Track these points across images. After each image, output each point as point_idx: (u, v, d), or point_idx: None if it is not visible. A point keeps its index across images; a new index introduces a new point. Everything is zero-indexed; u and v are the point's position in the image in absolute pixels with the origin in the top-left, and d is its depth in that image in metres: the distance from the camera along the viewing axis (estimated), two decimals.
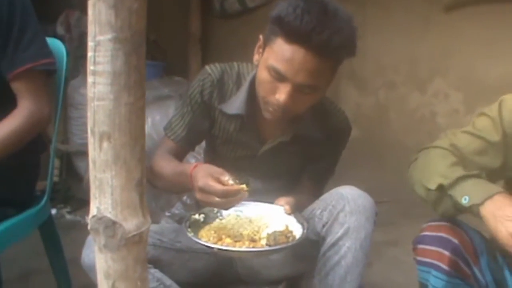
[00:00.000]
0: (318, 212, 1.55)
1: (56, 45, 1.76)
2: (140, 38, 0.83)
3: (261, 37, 1.49)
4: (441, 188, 1.35)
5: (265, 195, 1.65)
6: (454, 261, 1.36)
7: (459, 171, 1.36)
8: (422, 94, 3.34)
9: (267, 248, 1.38)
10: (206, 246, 1.38)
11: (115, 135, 0.83)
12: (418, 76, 3.34)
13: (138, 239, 0.88)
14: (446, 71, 3.24)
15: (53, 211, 3.17)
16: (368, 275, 1.62)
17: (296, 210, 1.55)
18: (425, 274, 1.42)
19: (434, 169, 1.40)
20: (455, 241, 1.37)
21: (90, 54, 0.82)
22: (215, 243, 1.39)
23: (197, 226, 1.49)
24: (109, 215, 0.85)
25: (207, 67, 1.62)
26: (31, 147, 1.65)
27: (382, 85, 3.46)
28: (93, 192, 0.87)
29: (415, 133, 3.39)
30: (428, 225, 1.46)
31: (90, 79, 0.83)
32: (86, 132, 0.85)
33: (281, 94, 1.41)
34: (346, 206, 1.48)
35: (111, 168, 0.84)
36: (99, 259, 0.89)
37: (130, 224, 0.86)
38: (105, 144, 0.84)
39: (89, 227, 0.88)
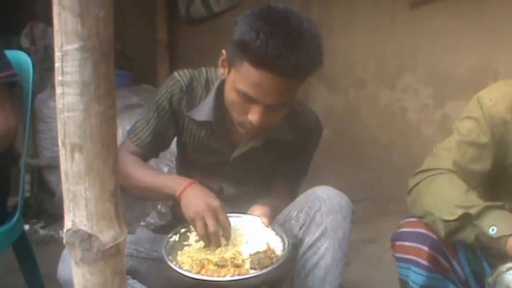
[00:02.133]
0: (294, 214, 1.55)
1: (21, 57, 1.73)
2: (108, 46, 0.81)
3: (224, 52, 1.47)
4: (465, 217, 1.30)
5: (238, 200, 1.64)
6: (433, 256, 1.37)
7: (478, 200, 1.33)
8: (391, 90, 3.37)
9: (253, 274, 1.36)
10: (191, 278, 1.36)
11: (87, 146, 0.82)
12: (387, 73, 3.37)
13: (115, 251, 0.86)
14: (414, 67, 3.27)
15: (26, 227, 3.09)
16: (347, 274, 1.63)
17: (273, 217, 1.54)
18: (405, 270, 1.43)
19: (448, 199, 1.35)
20: (434, 236, 1.38)
21: (57, 64, 0.80)
22: (199, 271, 1.37)
23: (175, 248, 1.47)
24: (84, 228, 0.83)
25: (175, 73, 1.60)
26: (1, 162, 1.61)
27: (352, 84, 3.48)
28: (67, 205, 0.85)
29: (387, 130, 3.42)
30: (406, 221, 1.47)
31: (58, 90, 0.81)
32: (56, 146, 0.84)
33: (254, 116, 1.40)
34: (322, 206, 1.48)
35: (84, 180, 0.82)
36: (76, 273, 0.87)
37: (107, 236, 0.85)
38: (77, 156, 0.82)
39: (64, 241, 0.86)
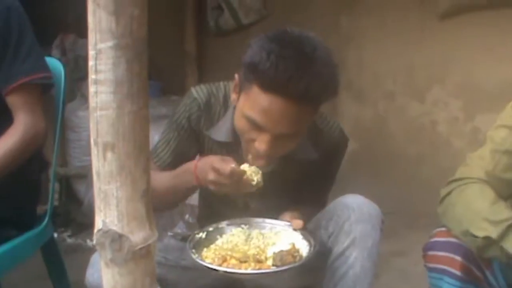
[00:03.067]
0: (323, 222, 1.52)
1: (53, 64, 1.74)
2: (141, 45, 0.81)
3: (237, 76, 1.42)
4: (488, 239, 1.27)
5: (265, 213, 1.61)
6: (466, 266, 1.33)
7: (506, 212, 1.28)
8: (421, 103, 3.33)
9: (273, 269, 1.33)
10: (211, 268, 1.34)
11: (119, 145, 0.81)
12: (416, 85, 3.33)
13: (145, 252, 0.85)
14: (444, 79, 3.23)
15: (54, 235, 3.14)
16: (375, 285, 1.59)
17: (303, 225, 1.51)
18: (437, 281, 1.39)
19: (477, 210, 1.31)
20: (466, 245, 1.34)
21: (91, 63, 0.80)
22: (220, 264, 1.35)
23: (200, 245, 1.45)
24: (115, 228, 0.83)
25: (192, 89, 1.55)
26: (32, 166, 1.62)
27: (381, 96, 3.45)
28: (98, 205, 0.84)
29: (416, 143, 3.37)
30: (438, 231, 1.43)
31: (92, 88, 0.82)
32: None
33: (261, 144, 1.35)
34: (351, 215, 1.45)
35: (115, 179, 0.82)
36: (106, 274, 0.86)
37: (137, 236, 0.84)
38: (109, 155, 0.82)
39: (94, 241, 0.86)
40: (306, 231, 1.47)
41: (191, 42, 3.98)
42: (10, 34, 1.54)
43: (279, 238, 1.46)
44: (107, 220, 0.83)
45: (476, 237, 1.29)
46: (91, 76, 0.81)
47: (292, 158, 1.49)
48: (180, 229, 2.99)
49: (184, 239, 1.80)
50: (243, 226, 1.51)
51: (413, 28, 3.27)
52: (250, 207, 1.63)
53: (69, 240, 3.24)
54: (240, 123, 1.39)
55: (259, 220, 1.49)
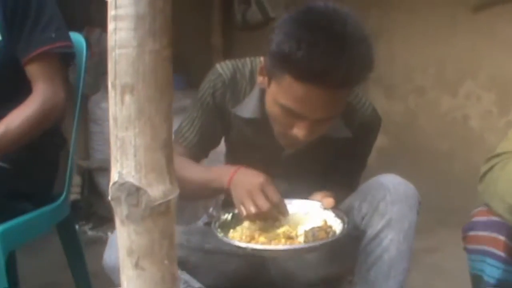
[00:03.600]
0: (356, 204, 1.43)
1: (76, 38, 1.69)
2: None
3: (262, 60, 1.35)
4: None
5: (293, 196, 1.53)
6: (510, 246, 1.23)
7: None
8: (452, 97, 3.21)
9: (307, 245, 1.25)
10: (238, 246, 1.26)
11: (139, 87, 0.74)
12: (448, 79, 3.22)
13: (165, 209, 0.77)
14: (476, 72, 3.11)
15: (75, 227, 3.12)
16: (408, 282, 1.50)
17: (334, 204, 1.42)
18: (478, 264, 1.28)
19: None
20: (510, 224, 1.23)
21: None
22: (248, 242, 1.27)
23: (226, 227, 1.37)
24: (132, 180, 0.75)
25: (217, 65, 1.49)
26: (50, 140, 1.57)
27: (411, 90, 3.35)
28: (114, 155, 0.77)
29: (447, 138, 3.26)
30: (479, 210, 1.33)
31: (111, 25, 0.74)
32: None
33: (300, 131, 1.29)
34: (387, 195, 1.36)
35: (134, 125, 0.74)
36: (121, 233, 0.78)
37: (156, 190, 0.76)
38: (128, 98, 0.74)
39: (109, 197, 0.78)
40: (338, 210, 1.38)
41: (218, 36, 3.92)
42: (29, 4, 1.48)
43: (309, 217, 1.37)
44: (124, 172, 0.75)
45: None
46: (110, 12, 0.74)
47: (325, 136, 1.41)
48: (203, 222, 2.92)
49: (208, 223, 1.73)
50: None
51: (444, 21, 3.17)
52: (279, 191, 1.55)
53: (90, 233, 3.21)
54: (274, 110, 1.31)
55: (287, 201, 1.41)
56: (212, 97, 1.46)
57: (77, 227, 3.15)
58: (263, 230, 1.32)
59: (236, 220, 1.40)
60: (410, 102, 3.39)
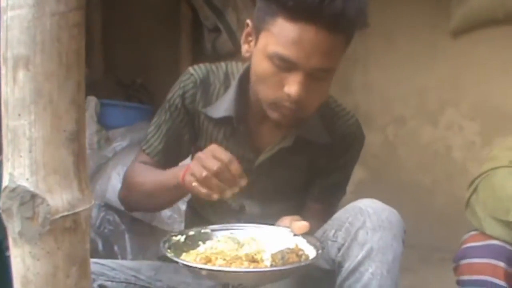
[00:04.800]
0: (331, 233, 1.24)
1: None
2: None
3: (249, 22, 1.25)
4: None
5: (263, 221, 1.35)
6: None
7: None
8: (434, 127, 3.10)
9: (275, 268, 1.05)
10: (193, 267, 1.05)
11: (36, 60, 0.55)
12: (428, 108, 3.11)
13: (72, 224, 0.58)
14: (458, 101, 3.02)
15: None
16: None
17: (307, 230, 1.23)
18: None
19: (507, 196, 1.13)
20: (510, 248, 1.07)
21: None
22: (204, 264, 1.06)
23: (178, 249, 1.17)
24: (25, 184, 0.56)
25: (190, 67, 1.38)
26: None
27: (390, 121, 3.23)
28: (5, 151, 0.58)
29: (430, 171, 3.13)
30: (472, 235, 1.17)
31: None
32: None
33: (293, 86, 1.15)
34: (366, 221, 1.17)
35: (29, 110, 0.56)
36: (14, 257, 0.59)
37: (59, 199, 0.57)
38: (21, 75, 0.56)
39: (0, 207, 0.59)
40: (311, 236, 1.19)
41: (187, 65, 3.74)
42: None
43: (276, 242, 1.17)
44: (15, 173, 0.56)
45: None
46: None
47: (302, 138, 1.30)
48: None
49: (163, 257, 1.53)
50: (232, 232, 1.24)
51: (424, 47, 3.07)
52: (246, 211, 1.38)
53: None
54: (263, 66, 1.18)
55: (252, 225, 1.23)
56: (182, 99, 1.33)
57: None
58: (221, 254, 1.12)
59: (191, 242, 1.19)
60: (389, 133, 3.25)
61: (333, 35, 1.12)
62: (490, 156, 1.30)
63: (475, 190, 1.24)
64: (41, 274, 0.57)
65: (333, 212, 1.43)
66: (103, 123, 3.02)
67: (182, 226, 2.69)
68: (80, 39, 0.58)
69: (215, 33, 3.75)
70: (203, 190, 1.12)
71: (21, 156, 0.56)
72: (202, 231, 1.21)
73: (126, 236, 2.66)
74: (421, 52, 3.07)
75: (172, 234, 1.18)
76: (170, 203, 1.43)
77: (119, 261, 1.42)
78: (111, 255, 2.46)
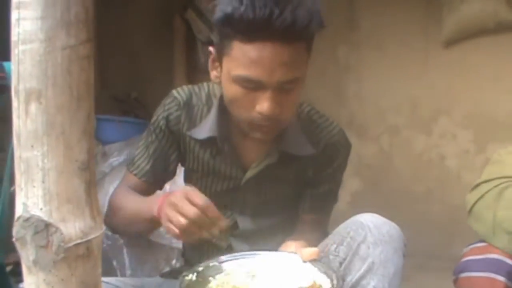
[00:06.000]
0: (333, 248, 1.25)
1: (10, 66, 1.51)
2: None
3: (211, 49, 1.27)
4: None
5: (257, 236, 1.37)
6: None
7: None
8: (427, 136, 3.12)
9: None
10: None
11: (48, 93, 0.57)
12: (422, 118, 3.13)
13: (85, 252, 0.59)
14: (451, 110, 3.05)
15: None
16: None
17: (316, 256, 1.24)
18: None
19: None
20: (510, 262, 1.08)
21: None
22: None
23: None
24: (39, 214, 0.57)
25: (173, 90, 1.39)
26: None
27: (384, 130, 3.25)
28: (18, 181, 0.59)
29: (424, 179, 3.15)
30: (472, 248, 1.18)
31: (14, 15, 0.58)
32: None
33: (263, 104, 1.17)
34: (368, 236, 1.19)
35: (42, 141, 0.57)
36: (28, 284, 0.60)
37: (72, 227, 0.58)
38: (34, 107, 0.57)
39: (14, 236, 0.60)
40: (320, 262, 1.19)
41: (181, 79, 3.79)
42: None
43: (289, 274, 1.17)
44: (29, 202, 0.58)
45: None
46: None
47: (287, 153, 1.32)
48: None
49: (165, 274, 1.54)
50: (239, 263, 1.23)
51: (416, 57, 3.10)
52: (239, 228, 1.39)
53: None
54: (232, 90, 1.20)
55: (258, 253, 1.22)
56: (166, 121, 1.35)
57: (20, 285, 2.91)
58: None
59: (202, 279, 1.19)
60: (383, 143, 3.27)
61: (290, 46, 1.14)
62: (495, 159, 1.29)
63: (481, 197, 1.22)
64: None
65: (327, 221, 1.46)
66: (99, 138, 3.01)
67: (180, 242, 2.69)
68: (89, 71, 0.59)
69: (208, 46, 3.78)
70: (184, 237, 1.14)
71: (34, 186, 0.57)
72: (211, 264, 1.20)
73: (125, 250, 2.66)
74: (413, 62, 3.10)
75: (184, 274, 1.17)
76: (148, 230, 1.45)
77: (122, 279, 1.42)
78: (109, 269, 2.46)
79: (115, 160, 2.83)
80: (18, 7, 0.57)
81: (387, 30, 3.16)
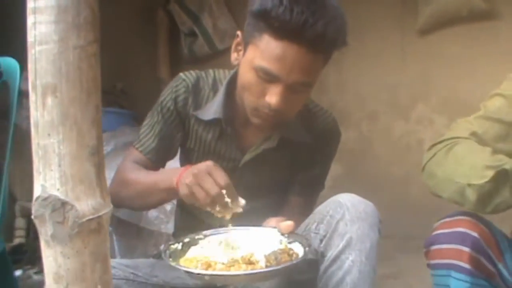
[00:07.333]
0: (313, 226, 1.35)
1: (8, 62, 1.58)
2: None
3: (239, 33, 1.35)
4: (500, 175, 1.15)
5: (249, 215, 1.46)
6: (475, 258, 1.17)
7: (508, 159, 1.18)
8: (405, 121, 3.23)
9: (272, 268, 1.14)
10: (196, 274, 1.14)
11: (62, 88, 0.65)
12: (400, 104, 3.24)
13: (96, 227, 0.68)
14: (428, 96, 3.16)
15: (19, 272, 2.96)
16: None
17: (292, 229, 1.34)
18: (443, 279, 1.21)
19: (474, 162, 1.21)
20: (475, 234, 1.18)
21: None
22: (205, 270, 1.16)
23: (177, 256, 1.26)
24: (56, 194, 0.66)
25: (181, 74, 1.47)
26: None
27: (364, 116, 3.35)
28: (36, 166, 0.67)
29: (402, 163, 3.25)
30: (442, 222, 1.27)
31: (30, 19, 0.66)
32: None
33: (273, 96, 1.26)
34: (345, 214, 1.29)
35: (57, 130, 0.65)
36: (47, 257, 0.68)
37: (85, 205, 0.67)
38: (50, 100, 0.65)
39: (33, 215, 0.68)
40: (296, 234, 1.29)
41: (165, 70, 3.85)
42: None
43: (267, 242, 1.28)
44: (47, 184, 0.66)
45: (474, 185, 1.17)
46: (30, 4, 0.66)
47: (284, 138, 1.42)
48: None
49: (156, 255, 1.62)
50: (223, 236, 1.33)
51: (394, 46, 3.21)
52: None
53: (35, 277, 3.01)
54: (248, 77, 1.29)
55: (241, 227, 1.32)
56: (174, 102, 1.43)
57: (21, 271, 2.97)
58: (218, 256, 1.22)
59: (187, 249, 1.29)
60: (364, 129, 3.38)
61: (313, 54, 1.23)
62: (451, 126, 1.37)
63: (434, 155, 1.31)
64: (71, 270, 0.67)
65: (312, 205, 1.55)
66: None
67: (169, 226, 2.76)
68: (97, 68, 0.67)
69: (191, 38, 3.83)
70: (200, 206, 1.23)
71: (52, 170, 0.65)
72: (196, 237, 1.31)
73: (114, 237, 2.73)
74: (391, 51, 3.20)
75: (170, 243, 1.27)
76: (159, 203, 1.52)
77: (117, 260, 1.51)
78: None
79: None
80: (34, 12, 0.65)
81: (365, 23, 3.25)
